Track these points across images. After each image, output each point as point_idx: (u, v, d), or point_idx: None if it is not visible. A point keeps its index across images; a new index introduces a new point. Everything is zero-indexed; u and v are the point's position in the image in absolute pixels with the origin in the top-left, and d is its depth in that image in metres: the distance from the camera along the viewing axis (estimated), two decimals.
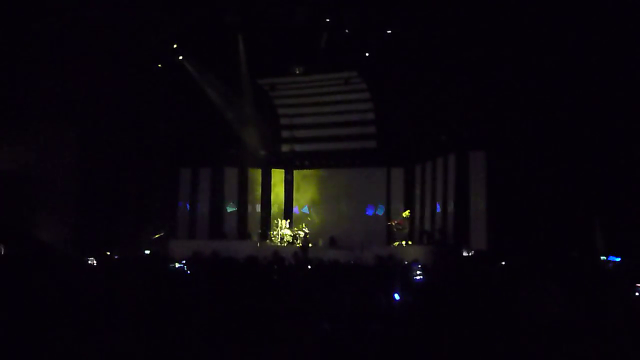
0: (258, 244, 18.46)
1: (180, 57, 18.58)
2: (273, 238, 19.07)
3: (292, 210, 21.19)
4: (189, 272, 8.86)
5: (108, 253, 13.21)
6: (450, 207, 17.48)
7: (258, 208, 21.29)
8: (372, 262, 11.94)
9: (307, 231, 19.12)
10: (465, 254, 15.13)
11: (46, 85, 15.85)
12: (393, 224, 19.10)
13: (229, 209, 20.89)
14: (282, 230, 19.24)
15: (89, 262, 10.07)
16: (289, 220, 20.05)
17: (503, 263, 10.70)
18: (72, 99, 16.43)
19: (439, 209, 18.22)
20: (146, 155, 18.99)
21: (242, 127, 20.41)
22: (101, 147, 17.64)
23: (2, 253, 10.73)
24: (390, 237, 19.27)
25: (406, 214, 18.87)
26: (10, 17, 14.49)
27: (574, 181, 14.09)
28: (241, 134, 20.46)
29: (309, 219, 20.46)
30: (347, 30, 17.16)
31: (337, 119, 20.70)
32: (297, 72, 19.18)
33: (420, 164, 19.65)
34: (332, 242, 19.16)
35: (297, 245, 17.92)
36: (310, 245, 18.01)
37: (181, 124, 19.57)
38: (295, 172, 21.67)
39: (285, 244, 18.56)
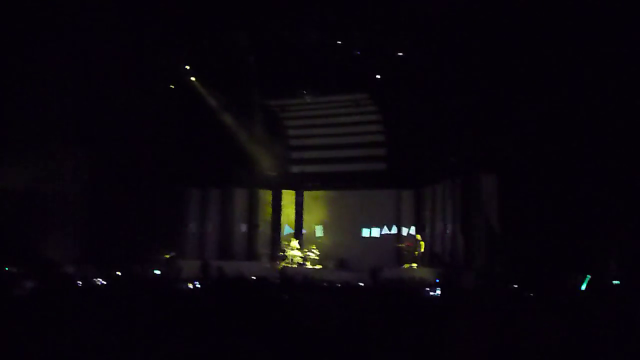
0: (268, 265, 18.49)
1: (192, 78, 18.82)
2: (283, 260, 19.14)
3: (302, 231, 21.26)
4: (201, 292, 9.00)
5: (118, 273, 13.09)
6: (457, 229, 17.39)
7: (268, 229, 21.30)
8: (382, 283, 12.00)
9: (317, 252, 19.32)
10: (474, 276, 14.67)
11: (56, 104, 16.14)
12: (403, 245, 19.12)
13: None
14: (292, 252, 19.32)
15: (98, 282, 10.14)
16: (298, 241, 20.11)
17: (513, 287, 10.73)
18: (82, 117, 16.62)
19: (449, 231, 18.03)
20: (155, 175, 19.00)
21: (252, 148, 20.52)
22: (110, 167, 17.82)
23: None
24: (400, 259, 19.13)
25: (416, 237, 18.88)
26: (21, 37, 14.67)
27: (589, 205, 13.75)
28: (251, 155, 20.55)
29: (318, 240, 20.51)
30: (357, 52, 17.22)
31: (348, 141, 20.70)
32: (308, 94, 19.31)
33: (430, 187, 19.47)
34: (342, 264, 19.17)
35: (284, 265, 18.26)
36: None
37: (191, 145, 19.71)
38: (305, 193, 21.62)
39: (295, 265, 18.67)
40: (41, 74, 15.54)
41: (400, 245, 19.45)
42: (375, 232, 20.67)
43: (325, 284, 11.82)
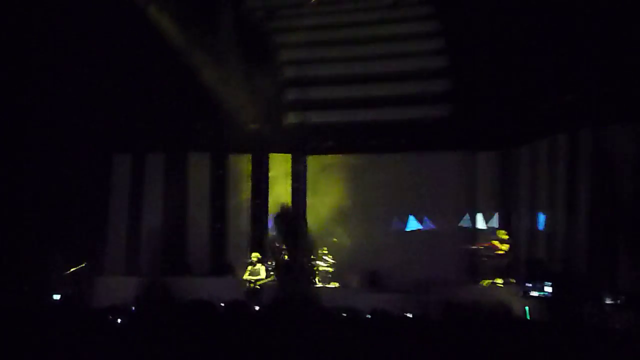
0: (247, 284, 18.63)
1: None
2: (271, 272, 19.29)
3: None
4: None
5: None
6: (581, 219, 17.26)
7: (245, 221, 21.42)
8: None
9: (330, 261, 19.43)
10: (610, 302, 14.80)
11: None
12: (480, 248, 19.01)
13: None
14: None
15: None
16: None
17: None
18: None
19: (559, 221, 18.00)
20: (56, 135, 18.80)
21: (219, 84, 20.17)
22: None
23: None
24: (476, 271, 19.10)
25: (502, 233, 18.87)
26: None
27: None
28: (217, 96, 20.24)
29: (334, 240, 20.40)
30: None
31: (381, 70, 20.16)
32: None
33: (526, 146, 19.54)
34: (374, 280, 19.11)
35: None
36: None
37: (114, 82, 19.18)
38: (310, 159, 21.81)
39: None
40: None
41: (475, 247, 19.30)
42: (430, 224, 20.70)
43: (344, 314, 10.85)
